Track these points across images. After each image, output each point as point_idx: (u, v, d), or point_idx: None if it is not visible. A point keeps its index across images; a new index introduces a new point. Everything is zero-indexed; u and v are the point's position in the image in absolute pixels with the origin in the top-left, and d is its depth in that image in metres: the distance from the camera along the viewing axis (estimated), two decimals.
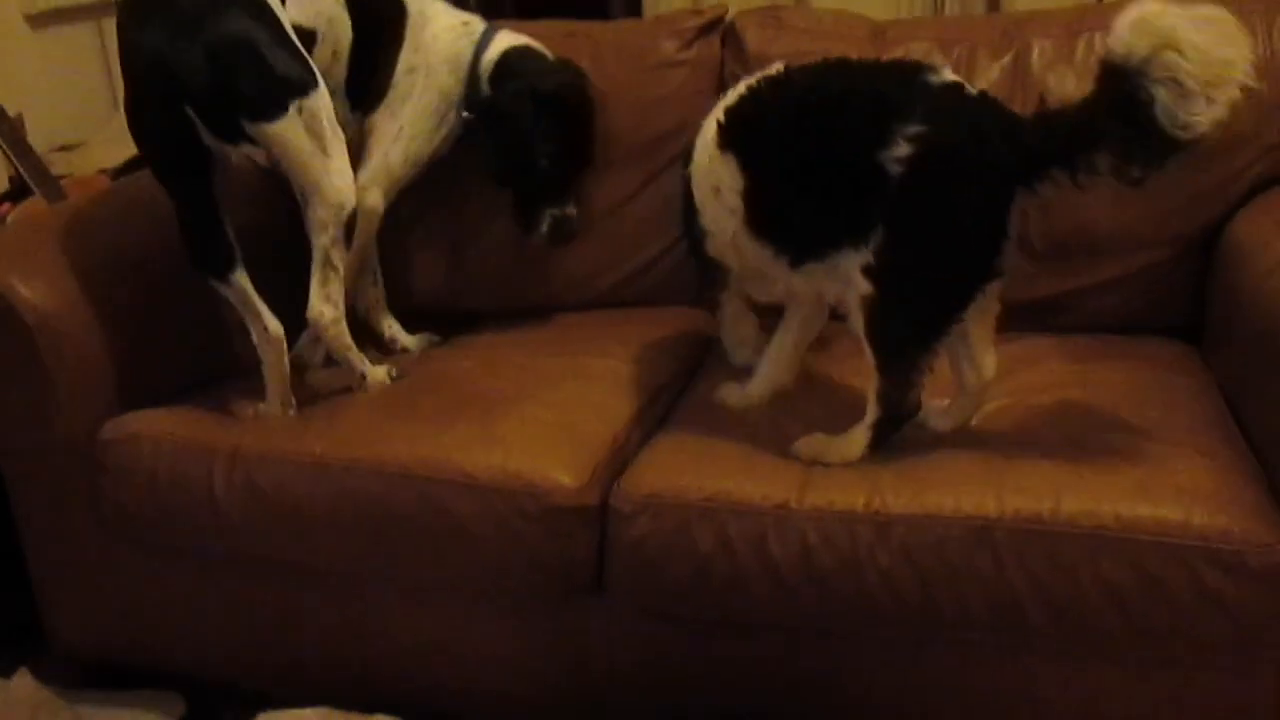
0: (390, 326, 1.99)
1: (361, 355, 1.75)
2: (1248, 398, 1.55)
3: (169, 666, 1.82)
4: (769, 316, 1.71)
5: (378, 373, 1.76)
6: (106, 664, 1.85)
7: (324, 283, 1.67)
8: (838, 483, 1.44)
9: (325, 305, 1.68)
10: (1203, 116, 1.22)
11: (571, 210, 1.92)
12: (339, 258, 1.66)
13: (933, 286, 1.43)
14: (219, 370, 1.81)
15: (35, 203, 2.24)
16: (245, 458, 1.61)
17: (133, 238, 1.80)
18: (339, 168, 1.63)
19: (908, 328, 1.45)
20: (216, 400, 1.76)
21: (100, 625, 1.81)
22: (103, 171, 2.42)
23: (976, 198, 1.39)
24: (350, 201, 1.64)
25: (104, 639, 1.82)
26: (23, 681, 1.84)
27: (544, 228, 1.91)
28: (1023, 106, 1.56)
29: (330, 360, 1.78)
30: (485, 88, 1.88)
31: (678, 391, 1.79)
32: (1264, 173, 1.76)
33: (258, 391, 1.72)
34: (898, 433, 1.50)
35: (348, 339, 1.73)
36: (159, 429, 1.68)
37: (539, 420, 1.61)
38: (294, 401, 1.72)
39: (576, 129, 1.90)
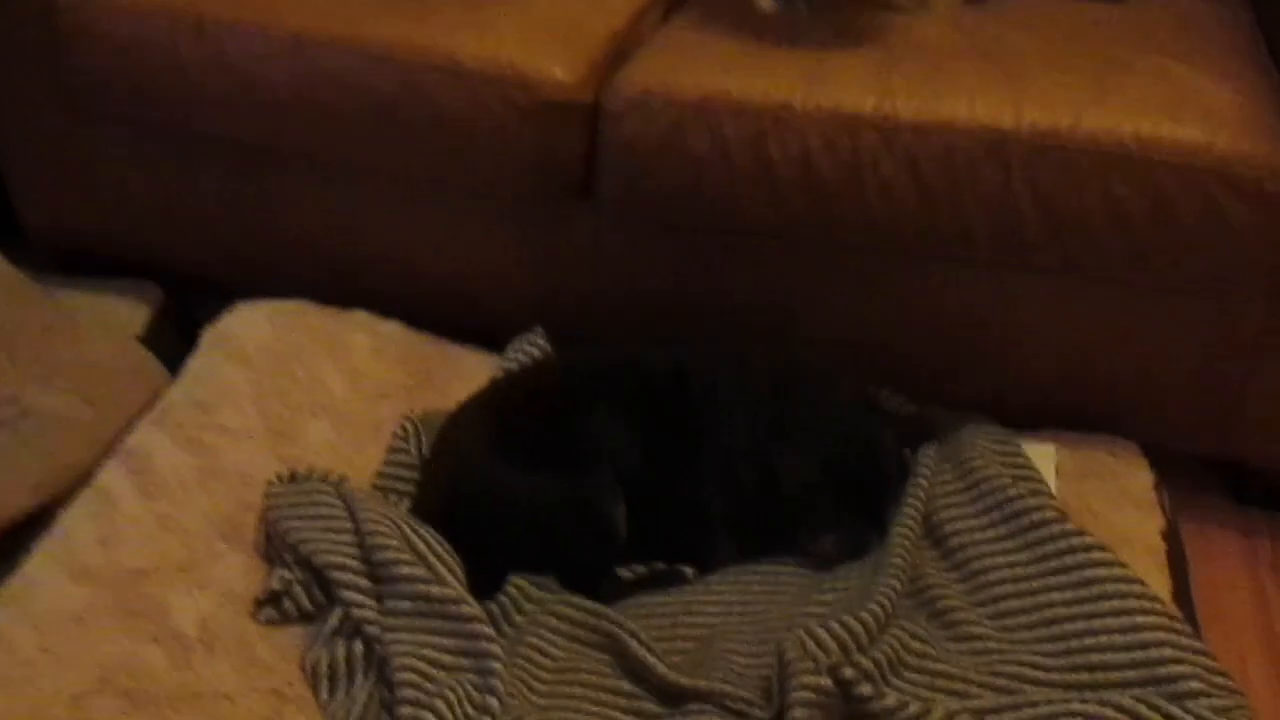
0: None
1: None
2: None
3: (147, 257, 1.78)
4: None
5: None
6: (83, 252, 1.81)
7: None
8: (846, 84, 1.35)
9: None
10: None
11: None
12: None
13: None
14: None
15: None
16: (212, 27, 1.49)
17: None
18: None
19: None
20: None
21: (75, 210, 1.75)
22: None
23: None
24: None
25: (79, 225, 1.77)
26: None
27: None
28: None
29: None
30: None
31: None
32: None
33: None
34: None
35: None
36: None
37: (535, 9, 1.50)
38: None
39: None
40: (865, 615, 1.18)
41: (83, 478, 1.36)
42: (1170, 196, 1.27)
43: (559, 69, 1.42)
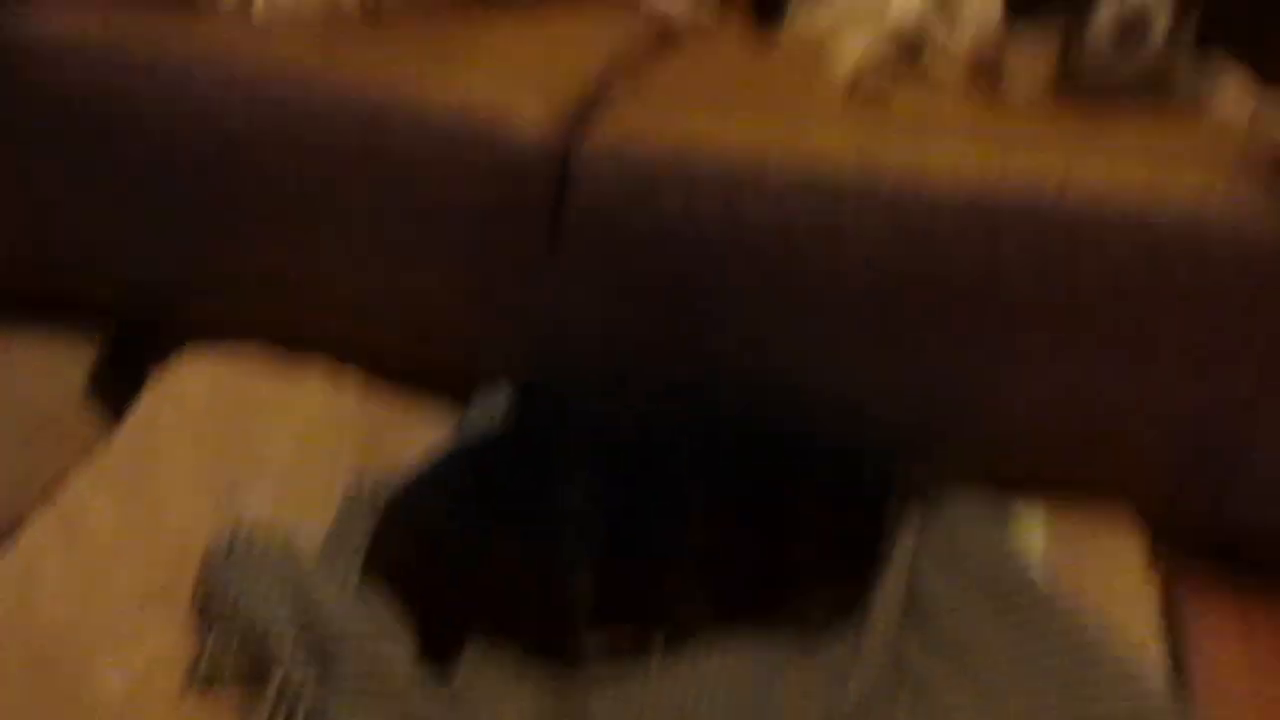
0: None
1: None
2: None
3: (89, 299, 1.69)
4: None
5: None
6: (24, 292, 1.72)
7: None
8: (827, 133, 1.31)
9: None
10: None
11: None
12: None
13: None
14: None
15: None
16: (170, 62, 1.44)
17: None
18: None
19: None
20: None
21: (16, 245, 1.66)
22: None
23: None
24: None
25: (21, 261, 1.68)
26: None
27: None
28: None
29: None
30: None
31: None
32: None
33: None
34: None
35: None
36: (68, 26, 1.49)
37: (511, 51, 1.46)
38: None
39: None
40: None
41: (9, 528, 1.28)
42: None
43: (529, 113, 1.36)
